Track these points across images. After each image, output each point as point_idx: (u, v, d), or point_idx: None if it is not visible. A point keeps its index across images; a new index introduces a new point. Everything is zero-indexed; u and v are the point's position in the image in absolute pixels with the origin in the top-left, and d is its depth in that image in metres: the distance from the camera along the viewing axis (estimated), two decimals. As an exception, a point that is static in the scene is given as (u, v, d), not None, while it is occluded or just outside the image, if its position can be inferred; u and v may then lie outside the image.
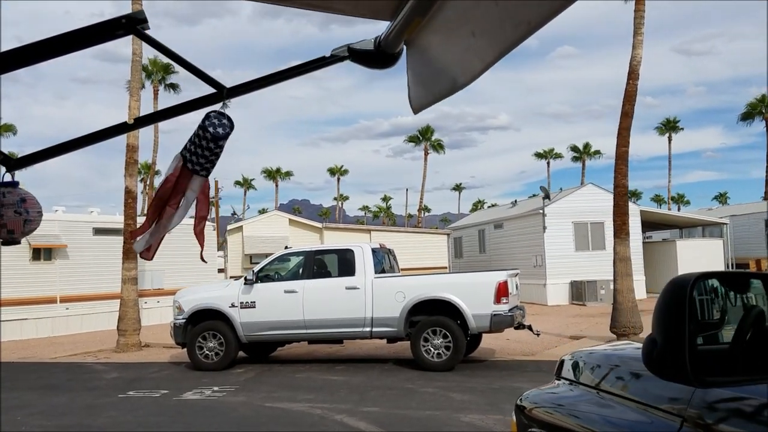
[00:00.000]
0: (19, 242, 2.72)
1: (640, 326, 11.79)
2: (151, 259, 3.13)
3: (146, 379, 10.30)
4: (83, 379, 10.48)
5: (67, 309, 17.38)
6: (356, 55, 2.99)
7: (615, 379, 2.42)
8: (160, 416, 7.64)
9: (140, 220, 16.02)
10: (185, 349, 10.99)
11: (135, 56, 14.60)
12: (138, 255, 3.08)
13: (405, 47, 2.68)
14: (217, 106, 2.80)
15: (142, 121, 2.97)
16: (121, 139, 14.78)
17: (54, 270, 17.19)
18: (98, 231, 18.25)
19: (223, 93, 2.77)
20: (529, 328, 10.52)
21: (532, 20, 1.15)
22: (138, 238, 3.00)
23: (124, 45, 14.58)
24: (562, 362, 2.88)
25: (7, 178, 2.69)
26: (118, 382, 10.06)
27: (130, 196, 14.69)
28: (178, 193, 2.89)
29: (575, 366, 2.72)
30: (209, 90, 2.65)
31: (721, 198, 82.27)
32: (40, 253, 17.00)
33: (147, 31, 2.74)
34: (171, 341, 11.56)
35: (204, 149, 2.77)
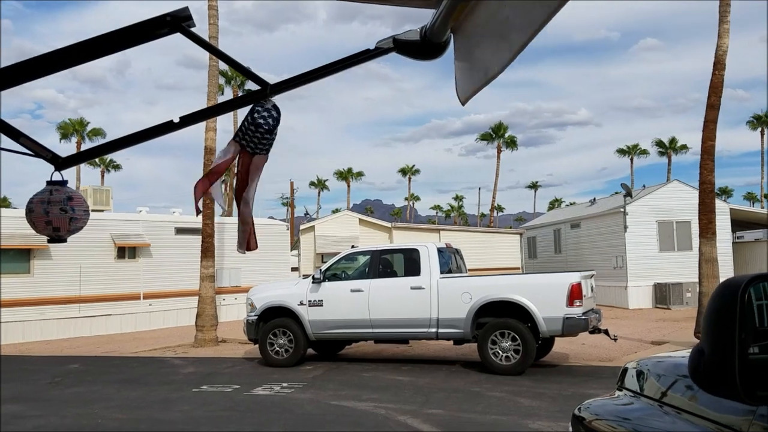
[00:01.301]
0: (65, 240, 2.77)
1: (728, 332, 11.01)
2: (254, 247, 3.18)
3: (220, 374, 10.58)
4: (161, 374, 10.89)
5: (150, 305, 18.19)
6: (402, 46, 2.87)
7: (683, 391, 2.18)
8: (231, 411, 7.80)
9: (218, 220, 16.54)
10: (257, 345, 11.23)
11: (212, 61, 15.08)
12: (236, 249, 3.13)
13: (452, 36, 2.55)
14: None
15: (187, 120, 2.98)
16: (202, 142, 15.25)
17: (138, 268, 18.04)
18: (179, 230, 18.99)
19: (267, 89, 2.73)
20: (606, 332, 10.04)
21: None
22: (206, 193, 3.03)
23: (206, 52, 15.03)
24: (625, 370, 2.65)
25: (56, 177, 2.77)
26: (193, 377, 10.39)
27: (208, 197, 15.13)
28: (244, 172, 2.89)
29: (639, 375, 2.49)
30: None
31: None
32: (125, 252, 17.88)
33: (192, 29, 2.73)
34: (245, 337, 11.83)
35: (253, 135, 2.76)
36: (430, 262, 10.34)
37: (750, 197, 70.20)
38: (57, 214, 2.63)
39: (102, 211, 19.13)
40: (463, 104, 2.49)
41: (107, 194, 20.66)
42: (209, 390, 9.15)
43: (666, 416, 2.19)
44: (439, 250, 10.61)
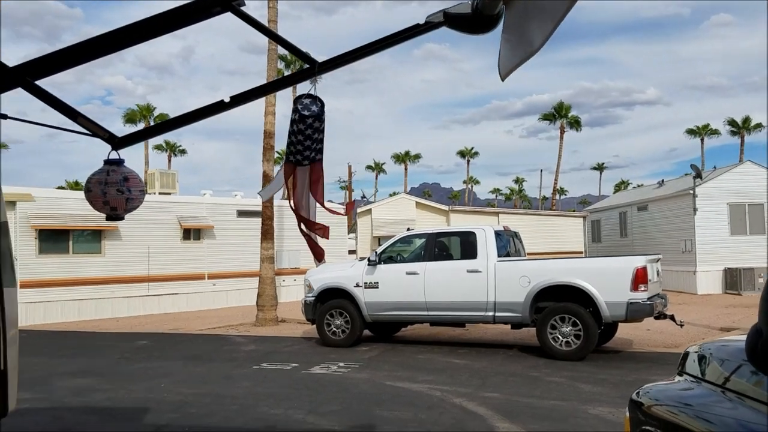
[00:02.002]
0: (122, 218, 2.85)
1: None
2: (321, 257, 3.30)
3: (279, 353, 10.83)
4: (224, 351, 11.24)
5: (214, 285, 18.79)
6: (452, 20, 2.78)
7: (748, 376, 2.04)
8: (289, 388, 7.96)
9: (277, 203, 16.84)
10: (315, 326, 11.42)
11: (271, 45, 15.24)
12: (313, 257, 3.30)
13: (504, 8, 2.44)
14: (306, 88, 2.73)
15: (238, 99, 2.99)
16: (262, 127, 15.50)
17: (202, 249, 18.64)
18: (241, 213, 19.48)
19: (315, 67, 2.70)
20: (672, 318, 9.67)
21: None
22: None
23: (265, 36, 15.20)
24: (686, 355, 2.51)
25: (113, 156, 2.84)
26: (254, 354, 10.67)
27: (267, 180, 15.44)
28: (294, 190, 2.93)
29: (701, 359, 2.36)
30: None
31: None
32: (190, 233, 18.49)
33: (242, 8, 2.72)
34: (304, 317, 12.05)
35: (297, 133, 2.76)
36: (487, 245, 10.19)
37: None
38: (114, 195, 2.71)
39: (169, 194, 19.83)
40: (503, 79, 2.39)
41: (173, 178, 21.38)
42: (269, 367, 9.38)
43: (728, 402, 2.07)
44: (497, 233, 10.44)
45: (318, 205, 2.85)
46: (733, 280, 19.08)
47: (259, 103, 15.53)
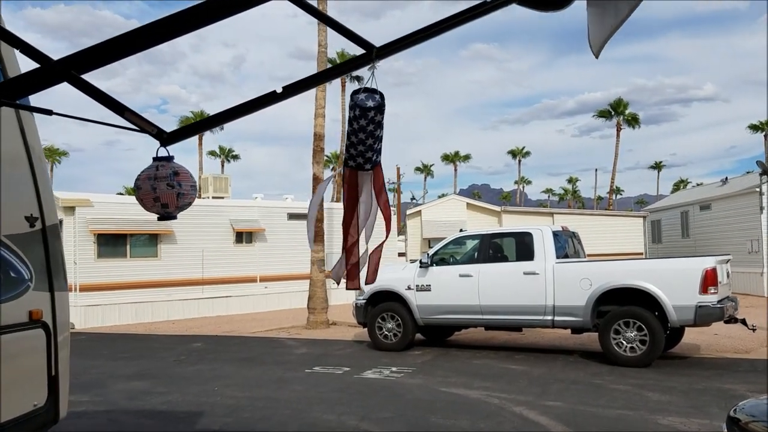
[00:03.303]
0: (175, 217, 2.71)
1: None
2: (358, 287, 3.03)
3: (331, 356, 10.72)
4: (276, 354, 11.21)
5: (265, 288, 18.91)
6: (522, -6, 2.49)
7: None
8: (341, 393, 7.82)
9: (327, 205, 16.83)
10: (366, 329, 11.27)
11: (320, 47, 15.23)
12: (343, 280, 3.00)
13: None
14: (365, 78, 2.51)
15: (291, 89, 2.83)
16: (312, 132, 15.51)
17: (254, 252, 18.79)
18: (291, 216, 19.55)
19: (372, 53, 2.50)
20: (743, 322, 9.09)
21: None
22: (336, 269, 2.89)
23: (316, 42, 15.28)
24: None
25: (162, 152, 2.71)
26: (305, 358, 10.59)
27: (317, 182, 15.43)
28: (353, 199, 2.71)
29: None
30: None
31: None
32: (242, 237, 18.67)
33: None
34: (354, 321, 11.93)
35: (358, 132, 2.56)
36: (544, 246, 9.81)
37: None
38: (164, 190, 2.57)
39: (222, 198, 20.08)
40: (596, 55, 2.13)
41: (226, 182, 21.68)
42: (321, 371, 9.27)
43: None
44: (555, 234, 10.04)
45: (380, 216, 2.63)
46: (807, 282, 17.97)
47: (309, 107, 15.54)
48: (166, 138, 2.60)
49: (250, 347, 12.04)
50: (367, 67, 2.44)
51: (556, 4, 2.30)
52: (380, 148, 2.53)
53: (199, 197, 19.72)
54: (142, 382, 8.75)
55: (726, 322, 8.96)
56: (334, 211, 19.15)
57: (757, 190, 18.65)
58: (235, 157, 62.83)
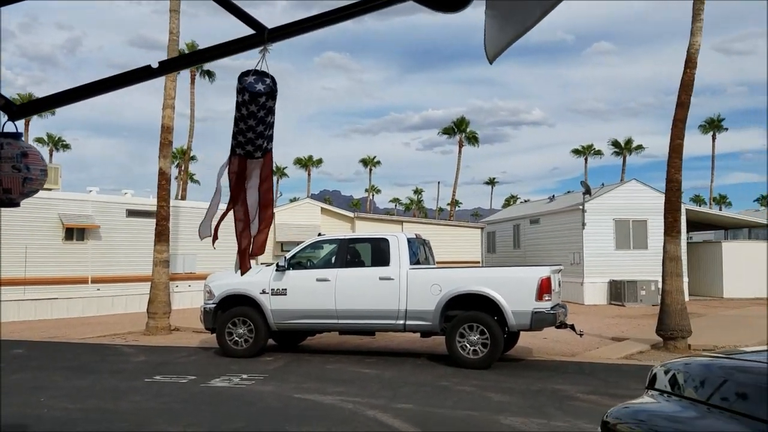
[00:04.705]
0: (17, 204, 2.32)
1: (689, 330, 11.13)
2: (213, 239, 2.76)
3: (174, 364, 10.10)
4: (110, 362, 10.32)
5: (98, 290, 17.39)
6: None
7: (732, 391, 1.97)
8: (187, 403, 7.37)
9: (173, 203, 15.87)
10: (214, 335, 10.77)
11: (172, 35, 14.39)
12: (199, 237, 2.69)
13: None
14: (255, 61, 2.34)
15: (170, 65, 2.57)
16: (158, 124, 14.65)
17: (86, 250, 17.20)
18: (131, 213, 18.22)
19: (264, 34, 2.32)
20: (572, 327, 9.99)
21: None
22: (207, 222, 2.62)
23: (160, 31, 14.38)
24: (654, 373, 2.45)
25: (9, 128, 2.32)
26: (145, 366, 9.87)
27: (163, 177, 14.53)
28: (241, 188, 2.49)
29: (674, 377, 2.28)
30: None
31: (764, 200, 79.41)
32: (73, 233, 17.01)
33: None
34: (201, 326, 11.36)
35: (247, 118, 2.37)
36: (399, 252, 10.06)
37: (697, 200, 72.54)
38: (8, 173, 2.18)
39: (50, 190, 18.15)
40: (491, 62, 2.15)
41: (56, 172, 19.67)
42: (163, 380, 8.68)
43: (714, 414, 1.98)
44: (409, 241, 10.34)
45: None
46: (618, 291, 20.29)
47: (152, 98, 14.62)
48: (15, 111, 2.23)
49: (79, 354, 10.96)
50: (258, 49, 2.27)
51: (452, 6, 2.30)
52: (272, 135, 2.37)
53: (47, 174, 17.65)
54: (-54, 396, 7.57)
55: (557, 327, 9.77)
56: (181, 210, 18.17)
57: (580, 207, 20.70)
58: (66, 146, 57.47)
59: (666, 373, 2.35)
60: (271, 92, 2.24)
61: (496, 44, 1.97)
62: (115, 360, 10.50)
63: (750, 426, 1.79)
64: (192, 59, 2.33)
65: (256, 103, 2.23)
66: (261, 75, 2.27)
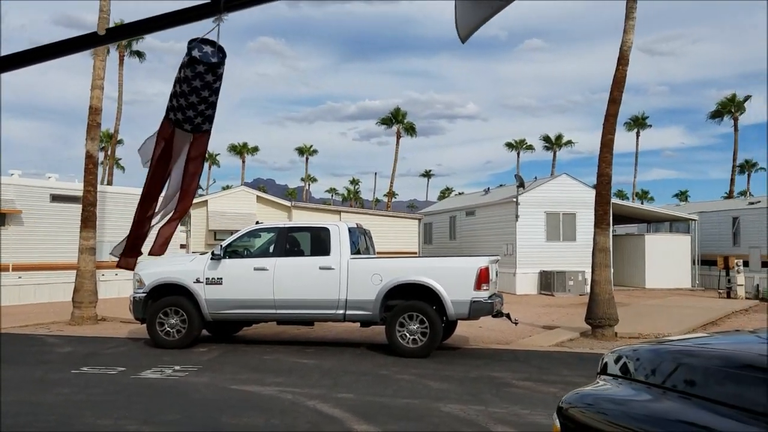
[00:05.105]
0: None
1: (616, 318, 11.62)
2: (132, 267, 2.56)
3: (102, 355, 9.71)
4: (34, 352, 9.82)
5: (19, 278, 16.47)
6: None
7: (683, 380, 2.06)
8: (117, 395, 7.09)
9: (100, 188, 15.19)
10: (144, 325, 10.40)
11: (102, 13, 13.71)
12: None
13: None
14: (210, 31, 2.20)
15: (116, 33, 2.41)
16: (84, 107, 13.97)
17: (7, 236, 16.23)
18: (56, 198, 17.32)
19: (220, 3, 2.17)
20: (507, 316, 10.23)
21: None
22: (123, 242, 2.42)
23: (87, 10, 13.63)
24: (605, 360, 2.52)
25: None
26: (71, 357, 9.45)
27: (91, 161, 13.89)
28: (166, 160, 2.33)
29: (625, 363, 2.35)
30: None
31: (682, 196, 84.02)
32: (-8, 218, 16.00)
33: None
34: (129, 316, 10.95)
35: (182, 82, 2.23)
36: (340, 241, 10.00)
37: (620, 195, 75.86)
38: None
39: (-36, 171, 16.96)
40: (463, 41, 2.11)
41: (-30, 153, 18.38)
42: (90, 372, 8.33)
43: (660, 395, 2.06)
44: (350, 230, 10.29)
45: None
46: (548, 282, 20.97)
47: (80, 80, 13.89)
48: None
49: (1, 345, 10.34)
50: (212, 18, 2.13)
51: None
52: (210, 115, 2.25)
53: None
54: None
55: (494, 316, 9.99)
56: (107, 195, 17.43)
57: (514, 200, 21.24)
58: (-20, 126, 53.97)
59: (617, 360, 2.42)
60: (213, 67, 2.13)
61: (467, 23, 1.94)
62: (40, 351, 9.99)
63: (700, 405, 1.87)
64: (141, 27, 2.19)
65: (192, 70, 2.11)
66: (209, 44, 2.15)
